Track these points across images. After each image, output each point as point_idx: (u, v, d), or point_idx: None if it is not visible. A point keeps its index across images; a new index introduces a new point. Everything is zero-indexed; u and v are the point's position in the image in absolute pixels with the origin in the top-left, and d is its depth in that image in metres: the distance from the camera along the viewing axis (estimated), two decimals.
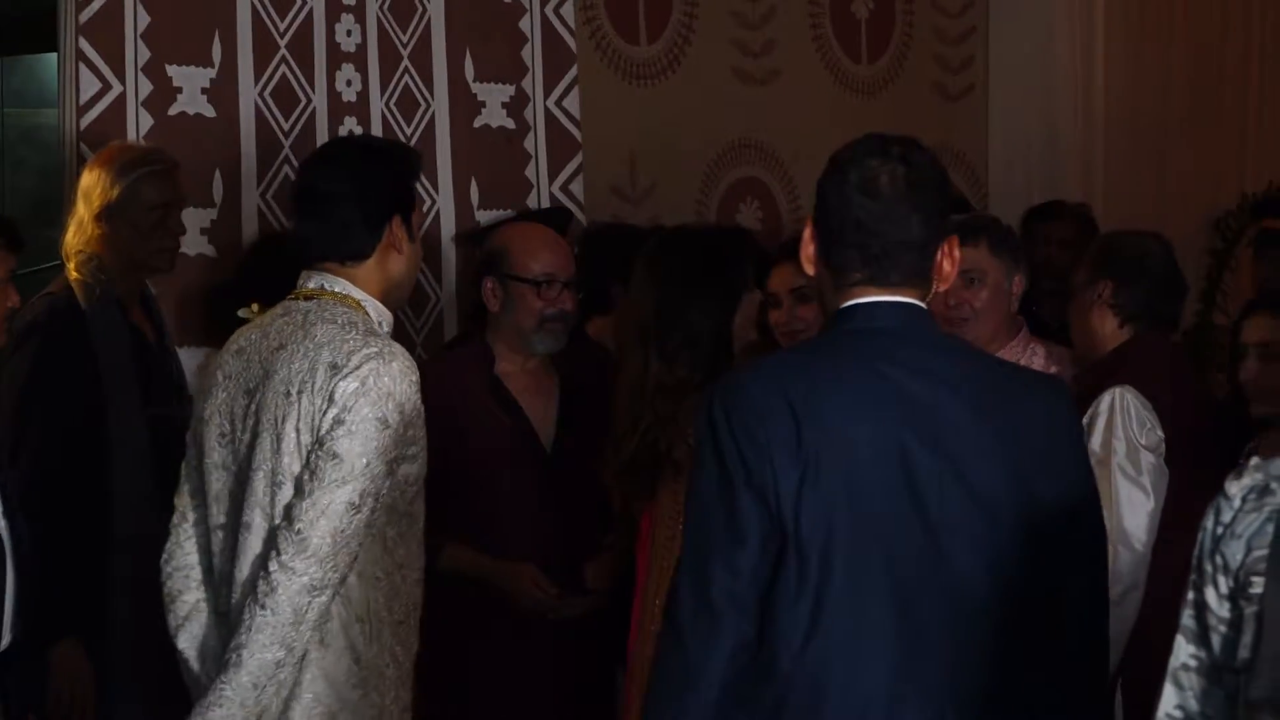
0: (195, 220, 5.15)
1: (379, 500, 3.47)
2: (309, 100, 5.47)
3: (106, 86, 5.10)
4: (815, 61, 6.79)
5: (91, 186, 4.67)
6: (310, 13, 5.47)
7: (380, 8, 5.61)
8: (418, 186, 3.75)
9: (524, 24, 5.90)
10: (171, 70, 5.22)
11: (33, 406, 4.51)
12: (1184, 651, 2.61)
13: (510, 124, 5.86)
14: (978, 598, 2.95)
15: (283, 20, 5.42)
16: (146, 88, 5.16)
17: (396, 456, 3.49)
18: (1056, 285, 5.62)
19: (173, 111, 5.21)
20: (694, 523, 2.98)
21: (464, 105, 5.77)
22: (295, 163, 5.42)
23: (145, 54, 5.17)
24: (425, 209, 5.71)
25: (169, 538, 3.72)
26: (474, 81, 5.80)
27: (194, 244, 5.17)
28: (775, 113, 6.63)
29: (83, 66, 5.07)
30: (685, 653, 2.93)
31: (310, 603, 3.41)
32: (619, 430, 4.33)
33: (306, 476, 3.44)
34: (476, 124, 5.80)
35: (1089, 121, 7.38)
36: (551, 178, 5.91)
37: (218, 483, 3.61)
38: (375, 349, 3.49)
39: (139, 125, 5.14)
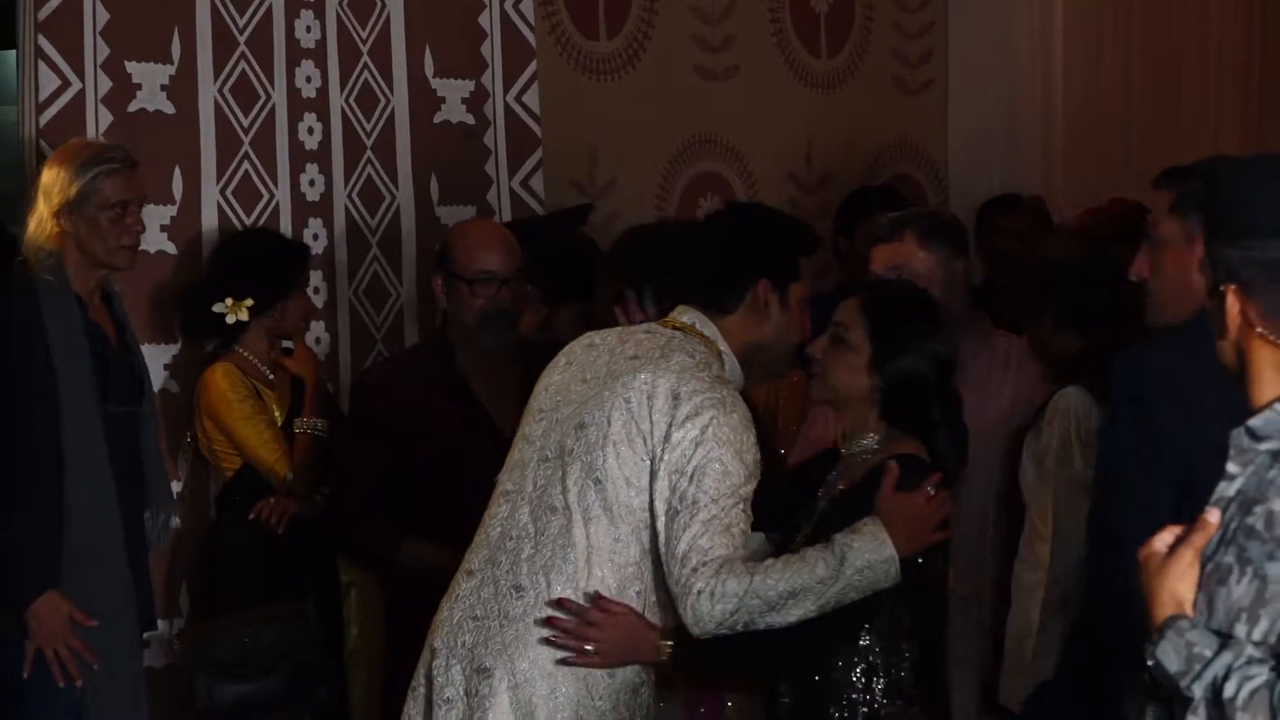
0: (155, 217, 5.15)
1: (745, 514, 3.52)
2: (268, 96, 5.47)
3: (66, 83, 5.10)
4: (775, 56, 6.82)
5: (51, 184, 4.66)
6: (269, 9, 5.47)
7: (339, 4, 5.61)
8: None
9: (483, 20, 5.91)
10: (131, 67, 5.23)
11: None
12: None
13: (470, 120, 5.88)
14: None
15: (242, 16, 5.43)
16: (106, 84, 5.17)
17: (740, 496, 3.51)
18: (1011, 278, 5.63)
19: (132, 108, 5.22)
20: None
21: (423, 101, 5.78)
22: (255, 159, 5.43)
23: (104, 51, 5.17)
24: (385, 206, 5.73)
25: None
26: (433, 77, 5.81)
27: (154, 241, 5.18)
28: (735, 107, 6.66)
29: (42, 63, 5.07)
30: None
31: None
32: None
33: (677, 503, 3.47)
34: (436, 120, 5.82)
35: (1049, 115, 7.40)
36: (511, 173, 5.92)
37: (519, 451, 3.67)
38: (718, 396, 3.53)
39: (98, 122, 5.14)
